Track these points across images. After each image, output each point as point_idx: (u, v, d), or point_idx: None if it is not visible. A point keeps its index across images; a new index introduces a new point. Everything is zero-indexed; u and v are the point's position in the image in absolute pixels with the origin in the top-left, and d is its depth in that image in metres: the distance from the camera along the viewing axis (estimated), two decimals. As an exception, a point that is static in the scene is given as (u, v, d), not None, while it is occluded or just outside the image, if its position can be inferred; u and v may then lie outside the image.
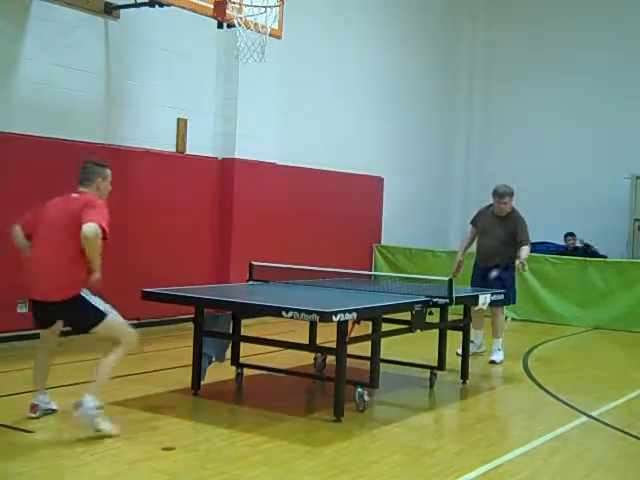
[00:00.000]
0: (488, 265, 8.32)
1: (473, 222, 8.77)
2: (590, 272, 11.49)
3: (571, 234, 13.41)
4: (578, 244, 13.40)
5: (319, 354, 7.28)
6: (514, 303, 8.71)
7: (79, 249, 4.99)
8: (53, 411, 5.48)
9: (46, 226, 5.19)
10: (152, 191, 9.52)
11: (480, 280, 8.29)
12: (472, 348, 8.31)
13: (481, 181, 15.70)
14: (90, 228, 4.89)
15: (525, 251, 8.19)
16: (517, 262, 8.13)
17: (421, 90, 14.61)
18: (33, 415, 5.35)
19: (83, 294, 5.08)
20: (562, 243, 13.56)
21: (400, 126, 14.12)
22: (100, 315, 5.09)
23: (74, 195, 5.23)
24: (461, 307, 7.26)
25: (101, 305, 5.13)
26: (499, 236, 8.30)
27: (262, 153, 10.68)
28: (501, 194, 8.32)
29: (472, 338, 8.38)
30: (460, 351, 8.12)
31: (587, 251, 12.80)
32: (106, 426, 5.01)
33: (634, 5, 14.39)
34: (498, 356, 8.32)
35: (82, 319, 5.12)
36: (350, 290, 7.09)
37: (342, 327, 5.56)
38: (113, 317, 5.16)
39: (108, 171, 5.42)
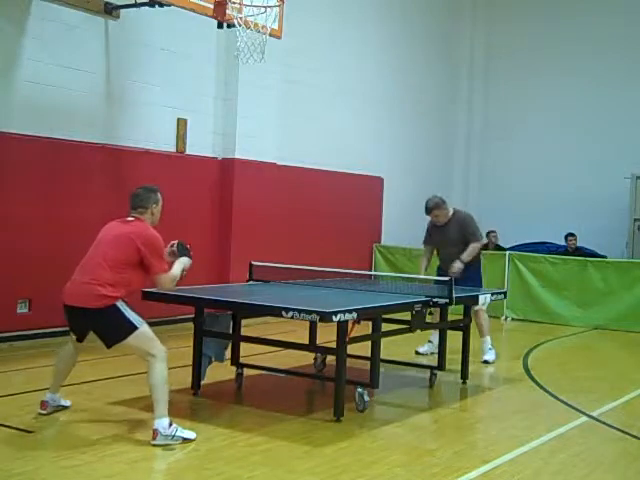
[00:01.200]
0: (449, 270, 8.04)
1: (425, 241, 8.50)
2: (590, 272, 11.48)
3: (572, 234, 13.38)
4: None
5: (319, 354, 7.28)
6: None
7: (123, 268, 5.04)
8: (64, 408, 5.52)
9: (97, 243, 5.24)
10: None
11: None
12: (430, 347, 8.35)
13: (481, 181, 15.76)
14: (170, 284, 5.28)
15: (468, 251, 7.97)
16: (454, 266, 7.87)
17: (421, 90, 14.60)
18: (43, 412, 5.39)
19: (118, 305, 5.02)
20: (562, 243, 13.54)
21: (400, 126, 14.12)
22: (132, 327, 5.02)
23: (129, 219, 5.29)
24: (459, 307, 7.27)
25: (133, 317, 5.05)
26: (450, 243, 8.10)
27: (262, 153, 10.68)
28: (427, 209, 8.09)
29: (430, 337, 8.40)
30: (420, 349, 8.38)
31: (582, 253, 12.75)
32: (187, 434, 4.99)
33: (634, 6, 14.39)
34: (490, 355, 8.25)
35: (114, 330, 5.03)
36: (350, 290, 7.09)
37: (342, 327, 5.56)
38: (145, 329, 5.08)
39: (159, 195, 5.47)
